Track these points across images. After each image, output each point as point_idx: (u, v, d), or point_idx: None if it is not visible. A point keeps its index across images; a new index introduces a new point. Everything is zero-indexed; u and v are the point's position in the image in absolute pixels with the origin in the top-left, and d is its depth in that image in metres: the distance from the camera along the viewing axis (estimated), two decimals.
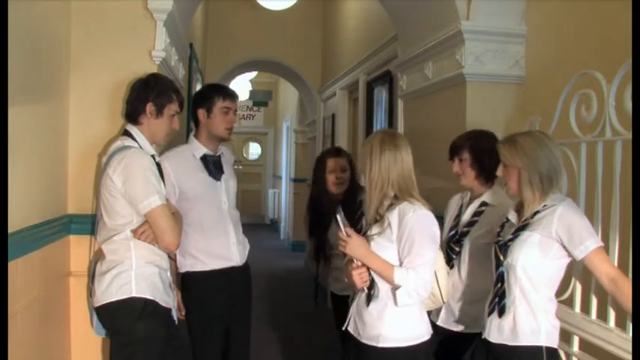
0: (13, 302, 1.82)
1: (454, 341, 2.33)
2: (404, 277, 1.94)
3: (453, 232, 2.40)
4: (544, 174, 1.90)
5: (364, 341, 2.03)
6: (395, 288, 1.96)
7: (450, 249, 2.37)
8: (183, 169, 2.60)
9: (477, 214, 2.35)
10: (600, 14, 2.41)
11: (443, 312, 2.37)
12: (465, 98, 2.93)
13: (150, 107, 2.25)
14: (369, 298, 2.02)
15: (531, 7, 2.89)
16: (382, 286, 2.01)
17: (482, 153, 2.31)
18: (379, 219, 2.04)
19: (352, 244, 2.00)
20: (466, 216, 2.39)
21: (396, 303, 1.96)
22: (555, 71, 2.69)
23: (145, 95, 2.26)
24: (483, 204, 2.35)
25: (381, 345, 1.98)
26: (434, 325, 2.24)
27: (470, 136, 2.41)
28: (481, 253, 2.28)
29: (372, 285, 2.02)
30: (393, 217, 2.00)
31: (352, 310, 2.13)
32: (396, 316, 1.99)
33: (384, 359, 1.99)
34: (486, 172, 2.32)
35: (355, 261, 2.02)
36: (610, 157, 1.98)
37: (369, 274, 2.02)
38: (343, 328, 2.16)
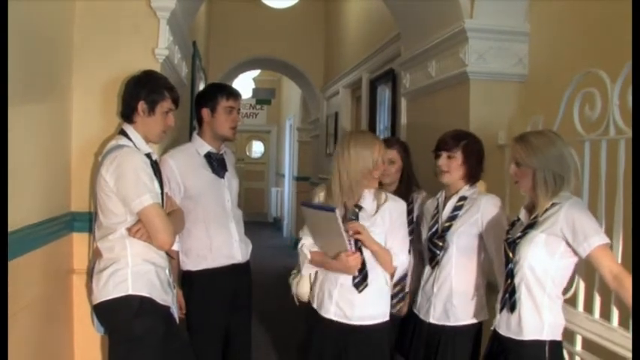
0: (16, 300, 1.83)
1: (447, 334, 2.39)
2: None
3: (434, 230, 2.45)
4: (557, 173, 1.94)
5: (355, 322, 2.28)
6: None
7: (434, 245, 2.42)
8: (187, 167, 2.61)
9: (457, 208, 2.41)
10: (604, 12, 2.40)
11: (439, 310, 2.40)
12: (469, 96, 2.92)
13: (142, 105, 2.23)
14: (360, 283, 2.27)
15: (534, 6, 2.88)
16: (372, 270, 2.30)
17: (473, 155, 2.40)
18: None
19: (366, 232, 2.25)
20: (446, 212, 2.44)
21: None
22: (559, 70, 2.69)
23: (136, 93, 2.24)
24: (462, 198, 2.42)
25: (369, 323, 2.29)
26: (429, 325, 2.41)
27: (462, 136, 2.45)
28: (467, 246, 2.37)
29: (363, 269, 2.27)
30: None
31: (334, 297, 2.30)
32: (379, 296, 2.32)
33: (374, 334, 2.30)
34: (472, 174, 2.42)
35: (350, 248, 2.22)
36: (614, 156, 1.98)
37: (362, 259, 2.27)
38: (327, 316, 2.33)
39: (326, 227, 2.24)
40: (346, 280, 2.29)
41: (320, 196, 2.41)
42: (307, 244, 2.38)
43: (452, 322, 2.37)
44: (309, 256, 2.36)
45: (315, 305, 2.39)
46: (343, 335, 2.29)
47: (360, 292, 2.28)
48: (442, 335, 2.37)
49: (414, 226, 2.76)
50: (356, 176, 2.27)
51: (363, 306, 2.29)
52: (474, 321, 2.38)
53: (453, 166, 2.41)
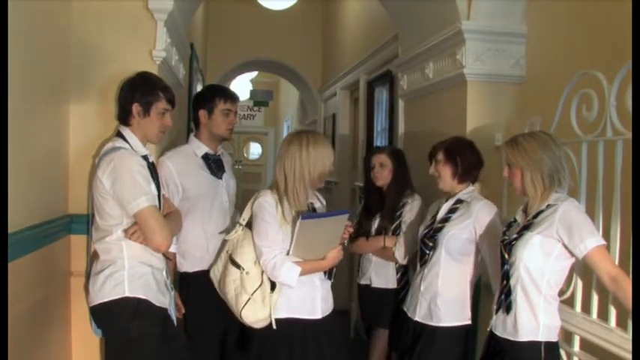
0: (14, 302, 1.83)
1: (429, 333, 2.42)
2: None
3: (427, 230, 2.49)
4: (545, 173, 1.97)
5: (328, 313, 2.34)
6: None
7: (424, 244, 2.47)
8: (185, 168, 2.61)
9: (452, 210, 2.45)
10: (601, 13, 2.41)
11: (424, 308, 2.43)
12: (466, 98, 2.92)
13: (136, 107, 2.23)
14: (331, 271, 2.32)
15: (532, 7, 2.89)
16: None
17: (455, 153, 2.45)
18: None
19: None
20: (441, 213, 2.48)
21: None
22: (556, 71, 2.69)
23: (130, 96, 2.23)
24: (458, 201, 2.45)
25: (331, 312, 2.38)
26: (414, 322, 2.44)
27: (445, 141, 2.54)
28: (456, 250, 2.40)
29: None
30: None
31: (320, 296, 2.29)
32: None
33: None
34: (460, 171, 2.45)
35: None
36: (611, 157, 1.99)
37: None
38: (316, 317, 2.29)
39: (327, 232, 2.21)
40: (321, 275, 2.29)
41: (273, 201, 2.26)
42: (286, 259, 2.18)
43: (434, 323, 2.40)
44: (300, 269, 2.18)
45: (303, 315, 2.26)
46: (329, 329, 2.32)
47: (332, 280, 2.34)
48: (424, 334, 2.41)
49: (400, 230, 2.87)
50: (313, 176, 2.22)
51: (330, 297, 2.36)
52: (457, 324, 2.40)
53: (440, 169, 2.48)
